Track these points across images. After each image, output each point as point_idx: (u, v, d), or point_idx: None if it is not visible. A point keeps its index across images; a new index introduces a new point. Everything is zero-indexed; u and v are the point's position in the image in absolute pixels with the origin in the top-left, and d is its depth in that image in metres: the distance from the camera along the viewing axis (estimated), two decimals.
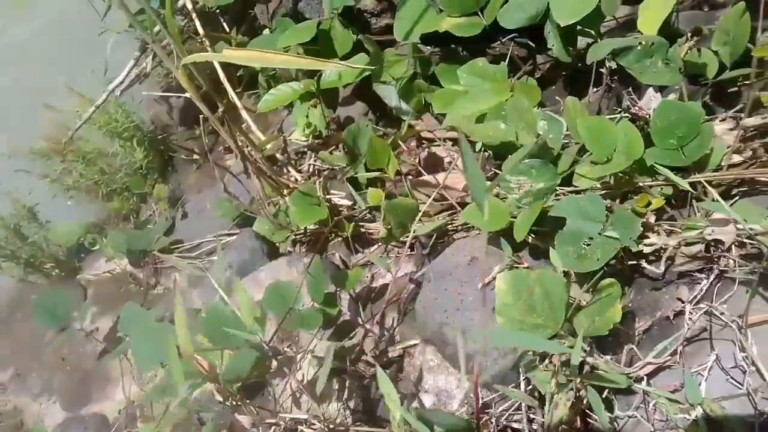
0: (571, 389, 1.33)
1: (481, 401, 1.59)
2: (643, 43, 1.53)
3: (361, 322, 1.92)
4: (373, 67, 2.07)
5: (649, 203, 1.47)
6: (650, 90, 1.67)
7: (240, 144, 1.99)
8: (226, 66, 2.43)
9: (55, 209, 2.96)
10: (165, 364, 1.77)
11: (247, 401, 1.75)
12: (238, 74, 2.79)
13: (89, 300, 2.60)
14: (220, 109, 1.86)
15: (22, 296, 2.79)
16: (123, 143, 2.98)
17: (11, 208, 2.77)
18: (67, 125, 2.87)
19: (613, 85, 1.73)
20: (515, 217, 1.62)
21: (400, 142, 2.06)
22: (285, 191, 2.15)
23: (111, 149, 2.98)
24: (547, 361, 1.43)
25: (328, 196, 2.15)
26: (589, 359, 1.38)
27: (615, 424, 1.38)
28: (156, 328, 1.83)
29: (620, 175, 1.55)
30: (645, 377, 1.36)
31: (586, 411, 1.40)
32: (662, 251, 1.46)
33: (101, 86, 2.78)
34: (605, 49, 1.55)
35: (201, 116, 1.91)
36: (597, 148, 1.53)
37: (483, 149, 1.92)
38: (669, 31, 1.60)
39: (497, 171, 1.88)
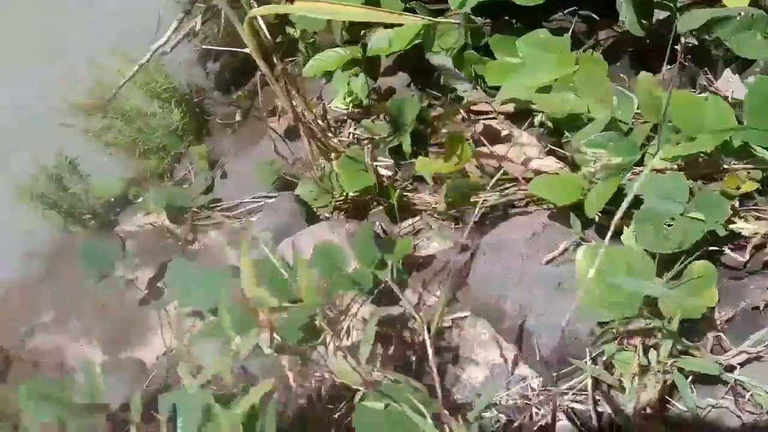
0: (659, 371, 1.11)
1: (540, 379, 1.37)
2: (743, 14, 1.27)
3: (406, 291, 1.69)
4: (442, 20, 1.80)
5: (739, 186, 1.23)
6: (727, 71, 1.43)
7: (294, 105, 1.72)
8: (271, 29, 2.15)
9: (94, 164, 2.69)
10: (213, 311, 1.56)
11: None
12: (276, 41, 2.52)
13: (127, 252, 2.34)
14: (279, 67, 1.59)
15: (63, 244, 2.52)
16: (161, 104, 2.71)
17: (55, 160, 2.50)
18: (108, 83, 2.60)
19: (686, 64, 1.48)
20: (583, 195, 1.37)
21: (461, 112, 1.80)
22: (332, 155, 1.89)
23: (150, 109, 2.71)
24: (625, 341, 1.20)
25: (375, 164, 1.89)
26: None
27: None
28: (205, 275, 1.59)
29: (701, 155, 1.31)
30: (738, 366, 1.13)
31: (665, 397, 1.17)
32: (749, 239, 1.22)
33: (144, 48, 2.50)
34: (699, 19, 1.30)
35: (259, 74, 1.64)
36: (685, 124, 1.29)
37: (541, 124, 1.67)
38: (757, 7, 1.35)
39: (553, 147, 1.64)
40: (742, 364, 1.13)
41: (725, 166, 1.28)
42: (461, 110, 1.91)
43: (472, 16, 1.90)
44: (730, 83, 1.41)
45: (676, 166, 1.35)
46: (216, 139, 2.73)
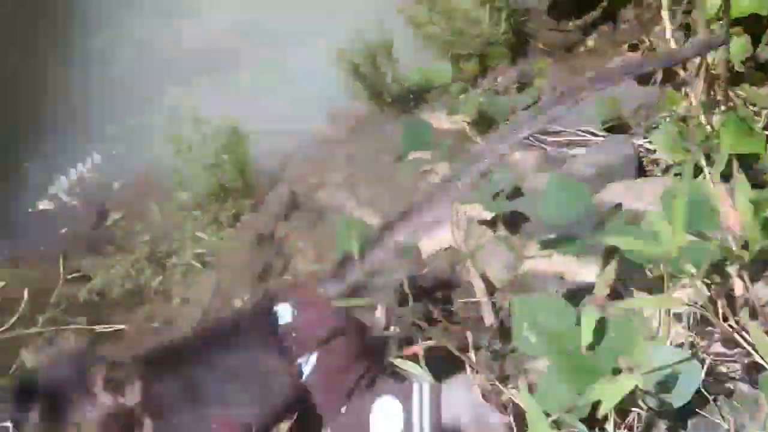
0: None
1: None
2: None
3: None
4: None
5: None
6: None
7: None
8: None
9: (405, 54, 2.67)
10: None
11: None
12: None
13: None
14: None
15: (363, 117, 2.56)
16: (491, 13, 2.59)
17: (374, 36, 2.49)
18: None
19: None
20: None
21: None
22: (718, 110, 1.63)
23: (477, 15, 2.61)
24: None
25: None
26: None
27: None
28: (572, 185, 1.47)
29: None
30: None
31: None
32: None
33: None
34: None
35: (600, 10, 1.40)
36: None
37: None
38: None
39: None
40: None
41: None
42: None
43: None
44: None
45: None
46: (533, 64, 2.58)
